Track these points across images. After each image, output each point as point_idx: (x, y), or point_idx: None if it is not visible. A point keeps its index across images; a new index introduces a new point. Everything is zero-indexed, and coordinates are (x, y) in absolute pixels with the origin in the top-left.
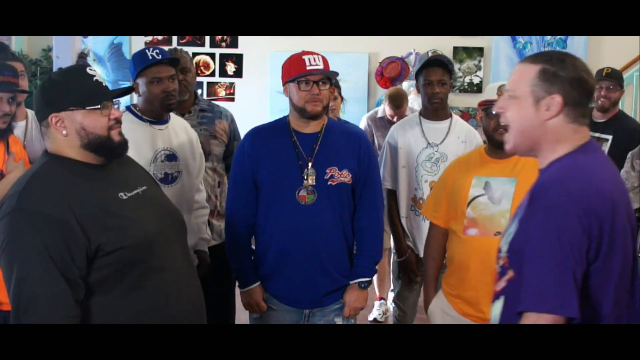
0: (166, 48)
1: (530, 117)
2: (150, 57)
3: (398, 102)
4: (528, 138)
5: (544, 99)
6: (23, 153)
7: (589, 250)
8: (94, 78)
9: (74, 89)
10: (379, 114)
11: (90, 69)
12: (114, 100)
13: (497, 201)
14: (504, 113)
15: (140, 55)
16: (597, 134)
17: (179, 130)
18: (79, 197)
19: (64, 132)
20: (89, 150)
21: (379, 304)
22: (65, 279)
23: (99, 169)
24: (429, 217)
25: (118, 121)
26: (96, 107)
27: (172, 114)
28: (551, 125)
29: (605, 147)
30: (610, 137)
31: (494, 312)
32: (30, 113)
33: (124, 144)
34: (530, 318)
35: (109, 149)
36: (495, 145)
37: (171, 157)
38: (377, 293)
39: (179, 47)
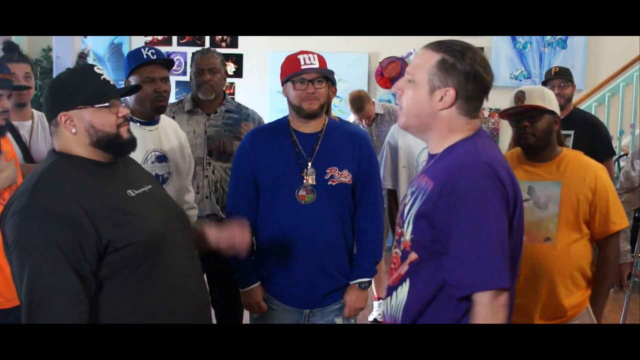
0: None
1: (423, 103)
2: (144, 56)
3: (357, 105)
4: (420, 122)
5: (439, 89)
6: (13, 153)
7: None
8: (102, 77)
9: (83, 87)
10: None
11: (97, 68)
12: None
13: (543, 206)
14: (400, 95)
15: (134, 53)
16: None
17: (169, 132)
18: (88, 193)
19: (74, 130)
20: (98, 148)
21: (378, 304)
22: (77, 274)
23: (106, 167)
24: None
25: (126, 119)
26: (104, 105)
27: (162, 115)
28: (443, 115)
29: (569, 142)
30: (572, 132)
31: (400, 297)
32: (37, 113)
33: (132, 141)
34: (483, 298)
35: (119, 146)
36: (527, 150)
37: (161, 158)
38: (375, 293)
39: (212, 49)
